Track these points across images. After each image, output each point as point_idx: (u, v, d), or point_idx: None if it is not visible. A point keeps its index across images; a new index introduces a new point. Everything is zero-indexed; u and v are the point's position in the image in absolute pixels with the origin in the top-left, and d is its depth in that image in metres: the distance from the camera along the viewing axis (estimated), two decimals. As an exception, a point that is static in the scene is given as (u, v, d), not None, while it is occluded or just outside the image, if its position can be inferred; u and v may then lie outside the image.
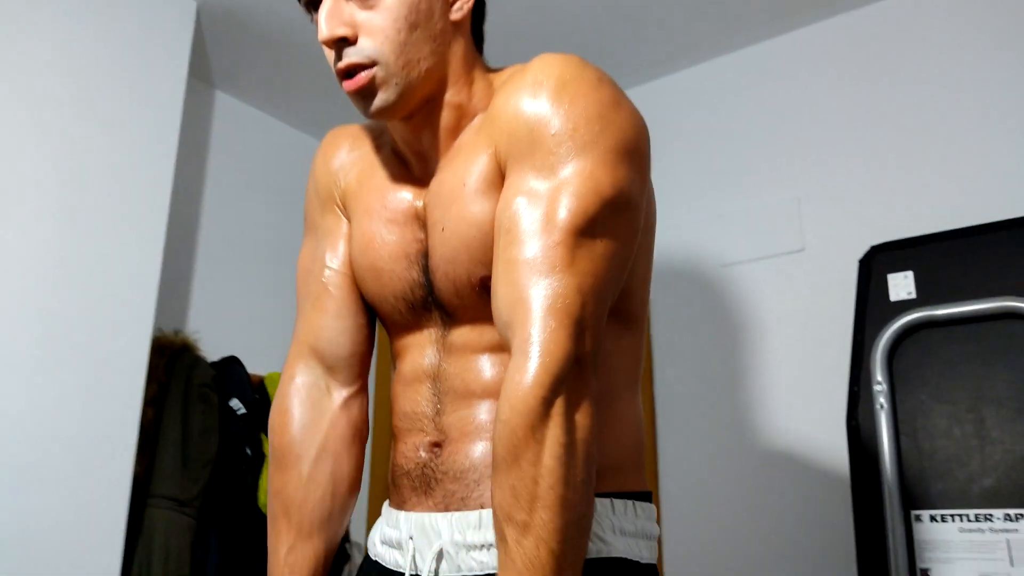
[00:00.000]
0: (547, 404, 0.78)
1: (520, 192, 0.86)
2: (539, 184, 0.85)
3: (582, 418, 0.80)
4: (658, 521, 2.33)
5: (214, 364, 2.46)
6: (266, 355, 2.59)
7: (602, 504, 0.90)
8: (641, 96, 2.78)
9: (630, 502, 0.94)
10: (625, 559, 0.90)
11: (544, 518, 0.76)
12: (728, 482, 2.30)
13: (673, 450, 2.42)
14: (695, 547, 2.32)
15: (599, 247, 0.84)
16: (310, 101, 2.93)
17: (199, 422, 2.22)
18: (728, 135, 2.55)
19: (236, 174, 2.91)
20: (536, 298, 0.81)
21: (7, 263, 1.86)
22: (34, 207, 1.94)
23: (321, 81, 2.70)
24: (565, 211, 0.83)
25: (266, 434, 2.47)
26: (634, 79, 2.79)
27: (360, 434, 1.08)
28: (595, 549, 0.88)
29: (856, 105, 2.33)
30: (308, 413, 1.05)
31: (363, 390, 1.10)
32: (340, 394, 1.07)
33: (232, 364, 2.48)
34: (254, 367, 2.54)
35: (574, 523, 0.78)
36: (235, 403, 2.38)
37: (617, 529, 0.91)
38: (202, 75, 2.80)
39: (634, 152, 0.89)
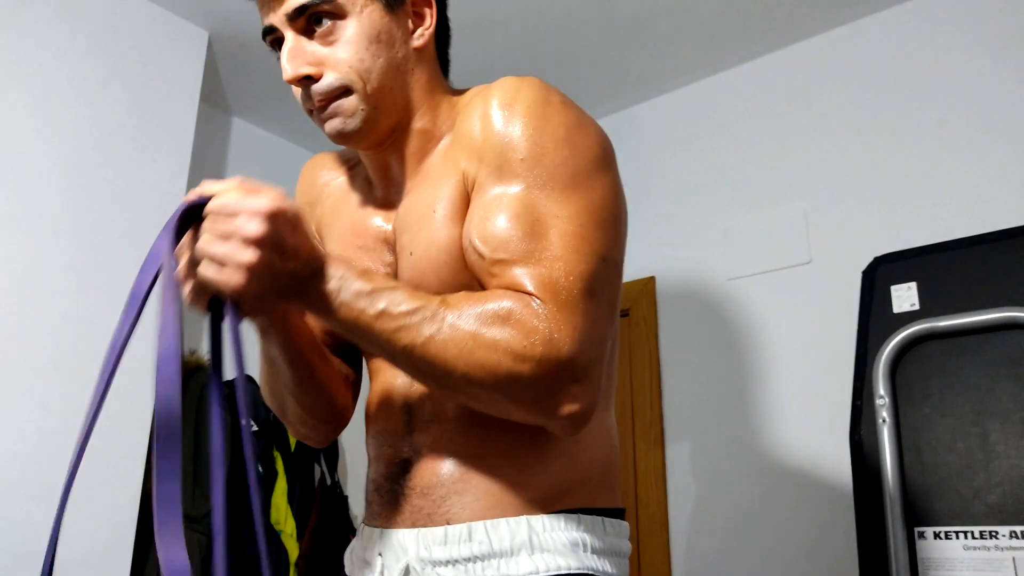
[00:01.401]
0: (527, 358, 0.79)
1: (491, 209, 0.87)
2: (513, 202, 0.86)
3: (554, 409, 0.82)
4: (666, 538, 2.33)
5: (228, 383, 2.49)
6: (279, 374, 2.62)
7: (568, 520, 0.91)
8: (646, 111, 2.79)
9: (599, 518, 0.94)
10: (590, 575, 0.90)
11: (441, 337, 0.80)
12: (733, 497, 2.28)
13: (680, 464, 2.41)
14: (700, 563, 2.30)
15: (601, 268, 0.85)
16: (323, 123, 2.98)
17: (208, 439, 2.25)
18: (734, 149, 2.55)
19: (251, 196, 2.96)
20: (555, 279, 0.82)
21: (21, 284, 1.92)
22: (47, 231, 2.00)
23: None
24: (556, 239, 0.84)
25: (279, 451, 2.51)
26: (639, 95, 2.80)
27: (352, 384, 1.14)
28: (562, 564, 0.88)
29: (861, 116, 2.31)
30: None
31: (353, 391, 1.14)
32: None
33: (247, 383, 2.51)
34: (267, 385, 2.58)
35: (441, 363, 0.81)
36: (247, 422, 2.42)
37: (585, 545, 0.92)
38: (217, 102, 2.87)
39: (605, 165, 0.91)
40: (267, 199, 0.76)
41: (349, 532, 2.69)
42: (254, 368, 1.08)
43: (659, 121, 2.74)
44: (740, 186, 2.50)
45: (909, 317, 1.80)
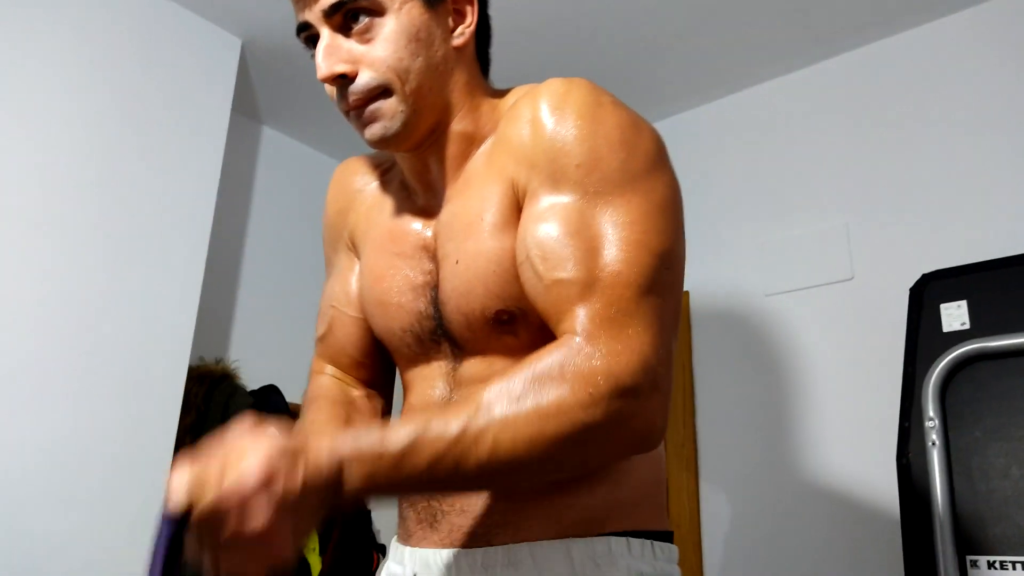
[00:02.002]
0: (597, 400, 0.73)
1: (547, 219, 0.83)
2: (569, 212, 0.82)
3: (609, 443, 0.76)
4: (699, 563, 2.26)
5: (253, 392, 2.47)
6: (305, 384, 2.60)
7: (618, 543, 0.87)
8: (683, 124, 2.75)
9: (648, 542, 0.90)
10: (640, 603, 0.85)
11: (494, 439, 0.72)
12: (772, 523, 2.20)
13: (715, 488, 2.34)
14: (738, 589, 2.23)
15: (664, 279, 0.81)
16: (354, 133, 2.96)
17: None
18: (772, 161, 2.50)
19: (280, 206, 2.95)
20: (610, 313, 0.77)
21: (50, 290, 1.91)
22: (77, 236, 1.98)
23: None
24: (617, 245, 0.79)
25: (303, 464, 2.47)
26: (676, 107, 2.76)
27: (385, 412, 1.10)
28: (609, 591, 0.83)
29: (905, 130, 2.25)
30: (336, 396, 1.06)
31: (387, 402, 1.11)
32: (364, 391, 1.09)
33: (271, 393, 2.49)
34: (293, 396, 2.55)
35: (498, 465, 0.73)
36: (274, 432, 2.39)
37: (634, 571, 0.87)
38: (249, 111, 2.86)
39: (663, 170, 0.86)
40: (248, 467, 0.64)
41: (372, 547, 2.65)
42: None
43: (695, 133, 2.69)
44: (778, 199, 2.44)
45: (959, 336, 1.73)
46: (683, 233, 0.88)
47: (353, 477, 0.69)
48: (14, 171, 1.91)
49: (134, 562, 1.93)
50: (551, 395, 0.73)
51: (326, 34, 0.90)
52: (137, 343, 2.04)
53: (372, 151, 1.15)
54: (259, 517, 0.63)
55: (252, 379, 2.53)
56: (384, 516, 2.89)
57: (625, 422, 0.76)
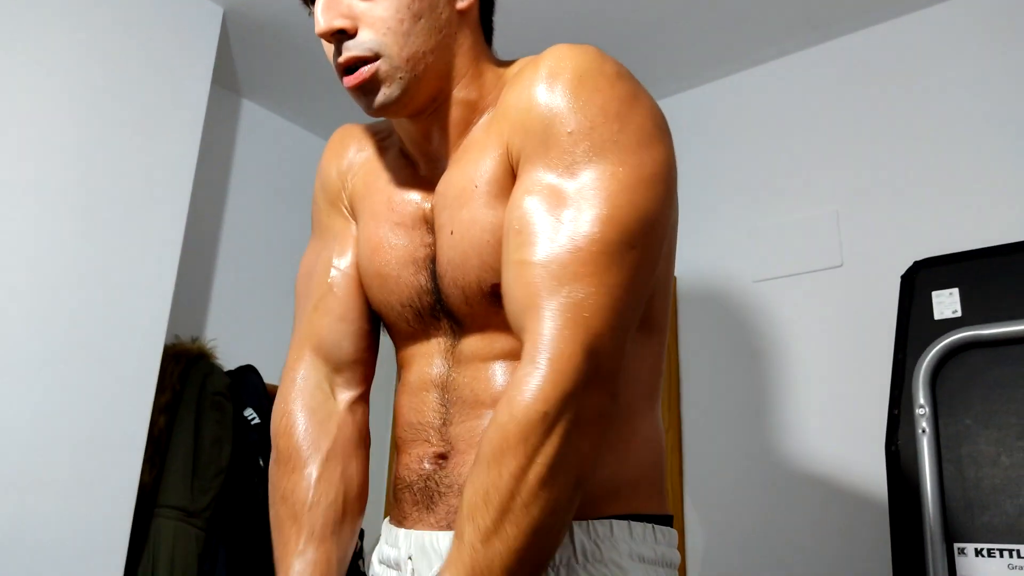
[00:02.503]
0: (548, 421, 0.72)
1: (532, 192, 0.80)
2: (555, 184, 0.79)
3: (584, 444, 0.74)
4: (683, 548, 2.25)
5: (230, 372, 2.42)
6: (283, 364, 2.54)
7: (620, 527, 0.84)
8: (672, 108, 2.71)
9: (649, 526, 0.87)
10: (643, 589, 0.82)
11: (510, 534, 0.71)
12: (758, 509, 2.19)
13: (700, 474, 2.32)
14: (721, 576, 2.22)
15: (627, 258, 0.77)
16: (336, 109, 2.90)
17: (211, 431, 2.17)
18: (761, 147, 2.48)
19: (260, 182, 2.89)
20: (551, 305, 0.75)
21: (20, 263, 1.84)
22: (53, 209, 1.92)
23: (347, 89, 2.67)
24: (589, 219, 0.77)
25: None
26: (665, 91, 2.73)
27: (365, 440, 1.03)
28: (612, 576, 0.80)
29: (896, 116, 2.23)
30: (315, 415, 0.99)
31: (366, 397, 1.05)
32: (344, 396, 1.02)
33: (248, 373, 2.44)
34: (270, 376, 2.50)
35: (539, 547, 0.73)
36: (249, 412, 2.34)
37: (635, 555, 0.85)
38: (228, 83, 2.79)
39: (656, 146, 0.83)
40: None
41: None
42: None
43: (684, 117, 2.66)
44: (768, 185, 2.42)
45: (951, 324, 1.72)
46: (670, 211, 0.85)
47: None
48: (-17, 137, 1.83)
49: (107, 544, 1.87)
50: (522, 451, 0.72)
51: None
52: (112, 320, 1.98)
53: (362, 119, 1.11)
54: None
55: (229, 359, 2.47)
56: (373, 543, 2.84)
57: (592, 407, 0.75)
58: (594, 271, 0.75)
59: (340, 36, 0.86)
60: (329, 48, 0.89)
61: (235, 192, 2.80)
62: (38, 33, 1.96)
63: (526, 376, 0.73)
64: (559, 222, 0.77)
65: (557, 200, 0.78)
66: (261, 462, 2.28)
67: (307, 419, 0.98)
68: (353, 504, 0.98)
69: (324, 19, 0.85)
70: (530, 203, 0.79)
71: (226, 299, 2.68)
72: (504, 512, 0.71)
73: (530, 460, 0.71)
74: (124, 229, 2.05)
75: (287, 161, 2.99)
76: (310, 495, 0.95)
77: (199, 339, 2.41)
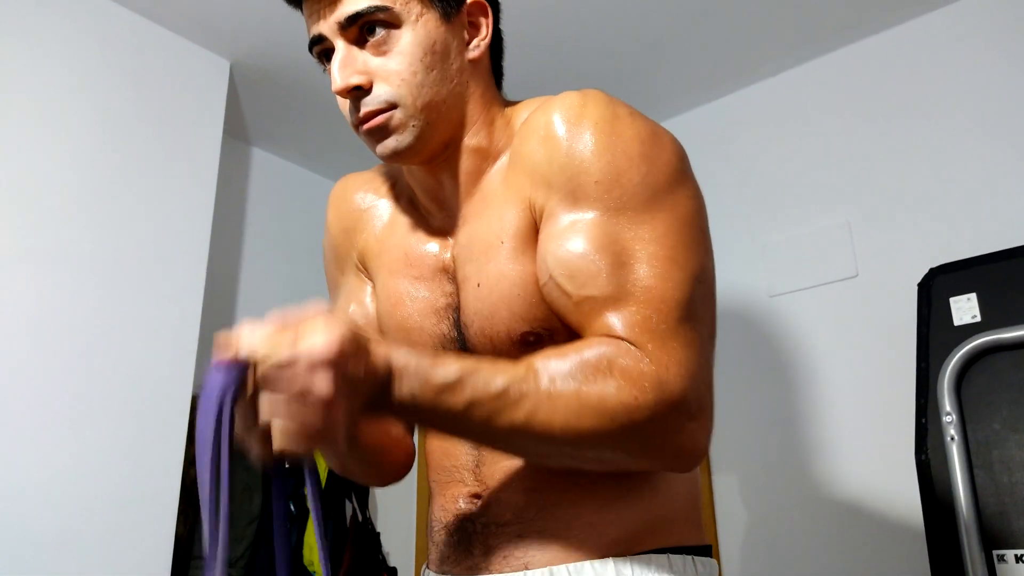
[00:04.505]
0: (642, 406, 0.73)
1: (569, 239, 0.81)
2: (592, 232, 0.80)
3: (644, 442, 0.75)
4: (720, 567, 2.22)
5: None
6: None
7: (659, 561, 0.84)
8: (682, 124, 2.74)
9: (689, 558, 0.87)
10: (685, 620, 0.83)
11: (533, 409, 0.73)
12: (790, 531, 2.18)
13: (729, 497, 2.31)
14: (759, 596, 2.20)
15: (698, 299, 0.79)
16: (346, 153, 2.94)
17: (241, 480, 2.18)
18: (771, 160, 2.49)
19: (274, 229, 2.92)
20: (658, 329, 0.76)
21: (47, 321, 1.87)
22: (73, 265, 1.95)
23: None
24: (646, 265, 0.78)
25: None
26: (674, 108, 2.75)
27: (409, 452, 1.05)
28: (653, 609, 0.81)
29: (905, 122, 2.24)
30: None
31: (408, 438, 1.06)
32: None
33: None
34: (296, 420, 2.51)
35: (526, 433, 0.74)
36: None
37: (677, 587, 0.84)
38: (238, 133, 2.83)
39: (684, 176, 0.85)
40: (323, 339, 0.65)
41: (383, 570, 2.61)
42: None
43: (693, 134, 2.68)
44: (779, 199, 2.43)
45: (971, 329, 1.72)
46: (711, 245, 0.86)
47: (399, 389, 0.71)
48: (5, 202, 1.87)
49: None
50: (596, 387, 0.73)
51: (341, 46, 0.88)
52: (140, 375, 2.00)
53: (368, 167, 1.13)
54: (326, 386, 0.64)
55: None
56: (392, 539, 2.85)
57: (667, 435, 0.75)
58: (674, 310, 0.76)
59: (357, 92, 0.88)
60: (345, 104, 0.91)
61: (251, 239, 2.84)
62: (49, 94, 2.00)
63: (651, 364, 0.74)
64: (615, 261, 0.78)
65: (601, 242, 0.79)
66: (292, 508, 2.29)
67: None
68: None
69: (340, 77, 0.87)
70: (571, 247, 0.80)
71: (248, 346, 2.71)
72: (552, 383, 0.73)
73: (601, 410, 0.73)
74: (146, 285, 2.08)
75: (300, 205, 3.03)
76: None
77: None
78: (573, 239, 0.80)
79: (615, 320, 0.77)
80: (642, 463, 0.79)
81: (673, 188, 0.82)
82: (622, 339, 0.75)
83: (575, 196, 0.81)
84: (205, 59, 2.39)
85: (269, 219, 2.91)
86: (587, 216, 0.80)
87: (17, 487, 1.74)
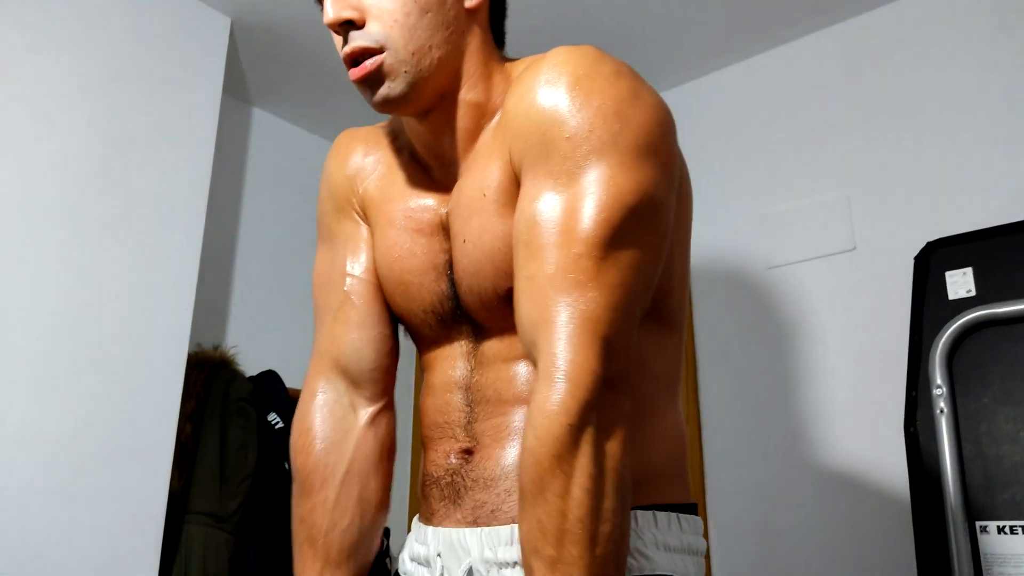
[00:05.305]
0: (574, 432, 0.72)
1: (536, 201, 0.80)
2: (556, 192, 0.79)
3: (613, 445, 0.75)
4: (705, 536, 2.26)
5: (252, 378, 2.45)
6: (304, 369, 2.54)
7: (644, 517, 0.85)
8: (683, 95, 2.72)
9: (674, 515, 0.88)
10: (670, 576, 0.84)
11: (573, 553, 0.71)
12: (778, 495, 2.21)
13: (719, 462, 2.34)
14: (744, 565, 2.23)
15: (625, 258, 0.77)
16: (347, 115, 2.92)
17: (237, 437, 2.20)
18: (771, 133, 2.48)
19: (273, 189, 2.91)
20: (559, 317, 0.75)
21: (42, 280, 1.87)
22: (70, 223, 1.95)
23: (358, 94, 2.69)
24: (587, 222, 0.77)
25: (305, 448, 2.45)
26: (676, 78, 2.73)
27: (388, 452, 1.04)
28: (637, 566, 0.82)
29: (905, 97, 2.23)
30: (332, 433, 1.00)
31: (390, 405, 1.05)
32: (366, 411, 1.02)
33: (270, 378, 2.47)
34: (292, 381, 2.53)
35: (605, 556, 0.72)
36: (273, 417, 2.37)
37: (660, 544, 0.86)
38: (238, 92, 2.81)
39: (657, 147, 0.82)
40: None
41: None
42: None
43: (693, 106, 2.67)
44: (778, 171, 2.43)
45: (966, 304, 1.73)
46: (671, 205, 0.84)
47: None
48: (2, 162, 1.86)
49: (140, 552, 1.91)
50: (548, 490, 0.72)
51: None
52: (136, 332, 2.01)
53: (370, 124, 1.12)
54: None
55: (250, 365, 2.51)
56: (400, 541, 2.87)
57: (607, 436, 0.75)
58: (594, 275, 0.76)
59: (347, 27, 0.87)
60: (338, 40, 0.90)
61: (249, 199, 2.83)
62: (48, 54, 1.99)
63: (544, 395, 0.74)
64: (562, 232, 0.77)
65: (558, 209, 0.78)
66: (286, 466, 2.32)
67: (324, 438, 1.00)
68: (371, 523, 1.00)
69: (332, 9, 0.87)
70: (535, 214, 0.79)
71: (245, 306, 2.71)
72: (561, 535, 0.71)
73: (569, 477, 0.72)
74: (143, 242, 2.08)
75: (300, 167, 3.02)
76: (326, 520, 0.97)
77: (220, 347, 2.45)
78: (536, 204, 0.80)
79: (537, 352, 0.76)
80: (625, 427, 0.78)
81: (640, 151, 0.80)
82: (539, 375, 0.75)
83: (547, 152, 0.80)
84: (205, 15, 2.37)
85: (268, 180, 2.90)
86: (552, 177, 0.79)
87: (11, 441, 1.75)
